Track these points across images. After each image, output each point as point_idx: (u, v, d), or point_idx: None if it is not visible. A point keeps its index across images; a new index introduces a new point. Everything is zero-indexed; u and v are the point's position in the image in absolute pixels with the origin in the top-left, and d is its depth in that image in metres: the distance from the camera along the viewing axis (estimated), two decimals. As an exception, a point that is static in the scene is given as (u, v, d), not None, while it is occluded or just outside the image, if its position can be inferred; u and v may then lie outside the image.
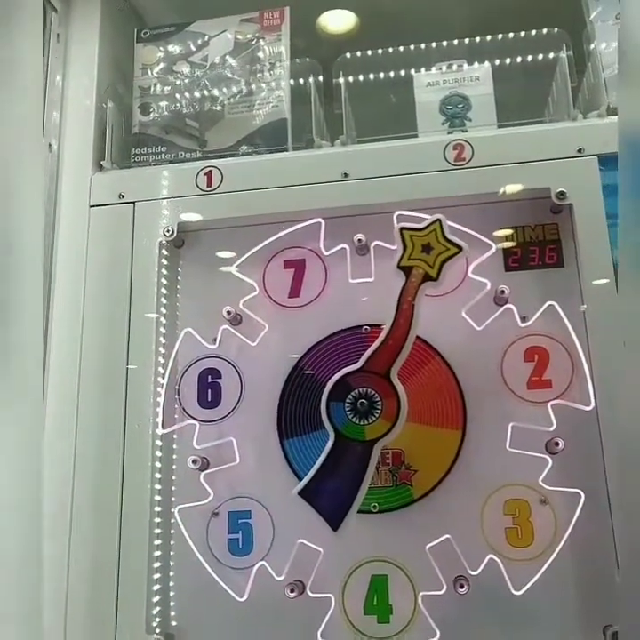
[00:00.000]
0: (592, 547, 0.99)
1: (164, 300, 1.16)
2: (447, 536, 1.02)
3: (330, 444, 0.95)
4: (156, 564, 1.07)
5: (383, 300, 0.97)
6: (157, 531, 1.08)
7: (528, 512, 1.02)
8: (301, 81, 1.23)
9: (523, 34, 1.23)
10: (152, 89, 1.27)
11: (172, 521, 1.10)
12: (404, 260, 0.95)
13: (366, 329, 1.10)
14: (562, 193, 1.07)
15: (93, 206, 1.21)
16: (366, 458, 0.94)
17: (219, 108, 1.24)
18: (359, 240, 1.10)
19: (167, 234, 1.16)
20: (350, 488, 0.93)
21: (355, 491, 0.93)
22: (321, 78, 1.22)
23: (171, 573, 1.09)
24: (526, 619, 1.00)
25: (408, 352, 0.94)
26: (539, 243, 1.11)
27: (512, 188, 1.10)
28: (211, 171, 1.18)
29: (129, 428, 1.10)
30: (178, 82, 1.26)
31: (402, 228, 0.96)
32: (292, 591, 1.00)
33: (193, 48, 1.28)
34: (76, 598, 1.06)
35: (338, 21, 1.49)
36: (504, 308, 1.07)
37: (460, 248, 0.94)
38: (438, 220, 0.95)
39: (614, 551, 0.97)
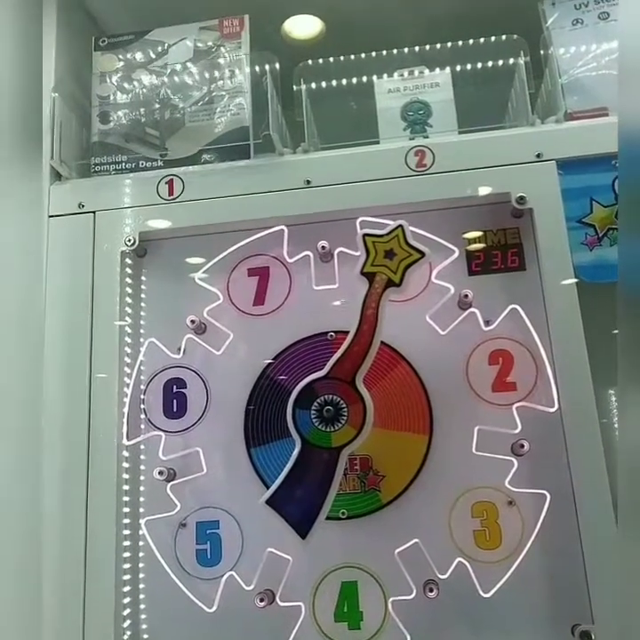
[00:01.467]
0: (559, 547, 1.00)
1: (128, 310, 1.15)
2: (416, 540, 1.02)
3: (296, 451, 0.95)
4: (125, 577, 1.06)
5: (348, 306, 0.97)
6: (126, 543, 1.07)
7: (495, 514, 1.03)
8: (257, 68, 1.21)
9: (482, 40, 1.23)
10: (111, 97, 1.25)
11: (140, 533, 1.08)
12: (367, 266, 0.95)
13: (332, 335, 1.10)
14: (522, 197, 1.09)
15: (52, 216, 1.19)
16: (333, 465, 0.94)
17: (179, 115, 1.23)
18: (323, 247, 1.10)
19: (129, 243, 1.14)
20: (318, 495, 0.93)
21: (322, 498, 0.93)
22: (277, 65, 1.19)
23: (140, 586, 1.08)
24: (496, 620, 1.00)
25: (373, 358, 0.95)
26: (501, 247, 1.13)
27: (474, 193, 1.11)
28: (172, 179, 1.18)
29: (93, 440, 1.08)
30: (137, 90, 1.25)
31: (364, 235, 0.96)
32: (261, 601, 1.00)
33: (152, 56, 1.26)
34: (46, 613, 1.04)
35: (299, 28, 1.49)
36: (468, 312, 1.08)
37: (422, 253, 0.95)
38: (400, 225, 0.96)
39: (581, 550, 0.98)
